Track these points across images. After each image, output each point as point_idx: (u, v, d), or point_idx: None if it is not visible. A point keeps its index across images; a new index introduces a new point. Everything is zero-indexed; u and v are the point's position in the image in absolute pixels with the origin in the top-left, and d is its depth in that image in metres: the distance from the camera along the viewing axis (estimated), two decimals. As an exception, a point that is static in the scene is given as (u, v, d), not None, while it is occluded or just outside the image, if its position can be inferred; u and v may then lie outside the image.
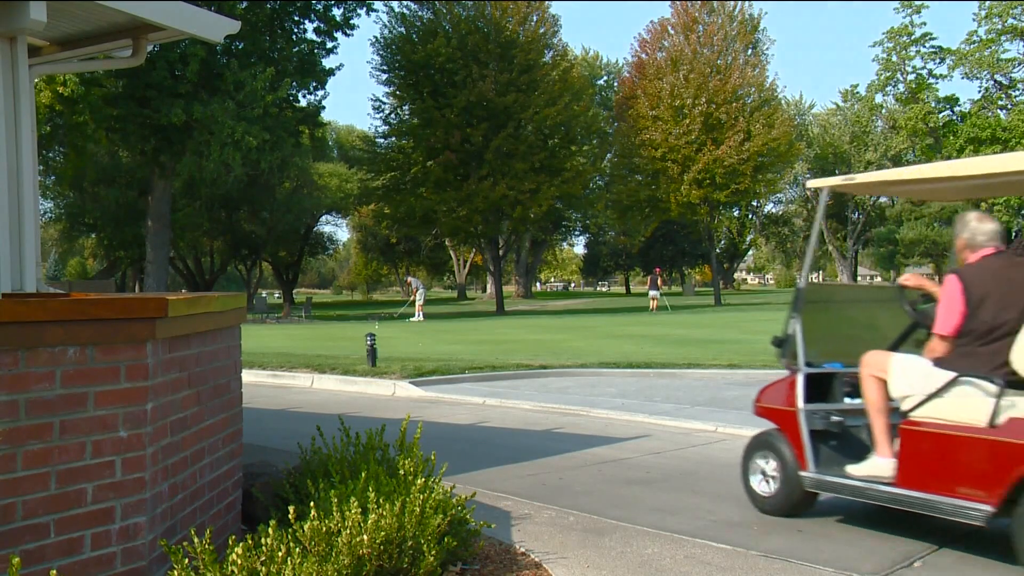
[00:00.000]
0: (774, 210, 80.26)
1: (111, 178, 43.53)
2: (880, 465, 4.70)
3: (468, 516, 4.09)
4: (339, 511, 3.52)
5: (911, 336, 5.04)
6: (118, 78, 27.36)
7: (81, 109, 27.40)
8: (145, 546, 3.15)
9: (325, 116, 47.38)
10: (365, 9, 35.11)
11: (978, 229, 4.62)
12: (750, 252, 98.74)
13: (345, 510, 3.53)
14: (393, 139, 42.97)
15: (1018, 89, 56.90)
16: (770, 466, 5.25)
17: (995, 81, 57.56)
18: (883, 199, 72.37)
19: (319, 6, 33.11)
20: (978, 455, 4.22)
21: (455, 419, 9.26)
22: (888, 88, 62.56)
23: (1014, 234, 58.45)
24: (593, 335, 21.06)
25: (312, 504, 3.62)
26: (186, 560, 3.02)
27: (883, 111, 65.34)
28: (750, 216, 78.90)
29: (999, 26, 54.66)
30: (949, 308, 4.47)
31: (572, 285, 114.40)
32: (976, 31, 56.41)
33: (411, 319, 31.55)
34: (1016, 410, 4.17)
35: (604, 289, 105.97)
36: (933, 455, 4.40)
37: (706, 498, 5.71)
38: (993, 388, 4.24)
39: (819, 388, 5.18)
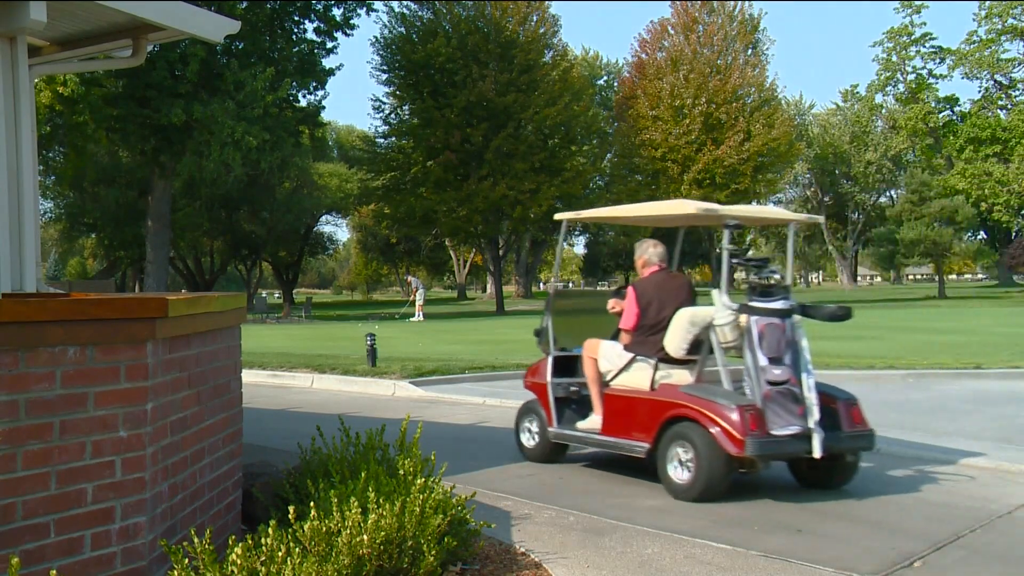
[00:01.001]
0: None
1: (111, 178, 43.54)
2: (595, 420, 6.42)
3: (468, 516, 4.09)
4: (339, 511, 3.52)
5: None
6: (118, 78, 27.35)
7: (81, 109, 27.39)
8: (145, 546, 3.15)
9: (325, 116, 47.39)
10: (365, 9, 35.10)
11: (652, 252, 6.49)
12: (750, 252, 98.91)
13: (345, 510, 3.52)
14: (393, 139, 42.96)
15: (1018, 89, 56.91)
16: (532, 426, 6.91)
17: (995, 81, 57.56)
18: (883, 199, 72.46)
19: (319, 6, 33.11)
20: (643, 409, 5.98)
21: (455, 419, 9.26)
22: (888, 88, 62.61)
23: (1014, 234, 58.46)
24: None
25: (312, 504, 3.62)
26: (186, 560, 3.02)
27: (883, 111, 65.36)
28: (750, 216, 78.86)
29: (999, 26, 54.67)
30: (629, 310, 6.32)
31: (571, 284, 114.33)
32: (976, 31, 56.49)
33: (411, 319, 31.56)
34: (668, 379, 6.07)
35: (604, 289, 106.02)
36: (620, 411, 6.17)
37: (706, 498, 5.71)
38: (653, 363, 6.10)
39: (567, 367, 6.90)
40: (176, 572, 2.98)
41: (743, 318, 5.80)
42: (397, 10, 41.28)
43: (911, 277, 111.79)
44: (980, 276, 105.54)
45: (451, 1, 40.12)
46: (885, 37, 60.74)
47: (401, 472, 4.20)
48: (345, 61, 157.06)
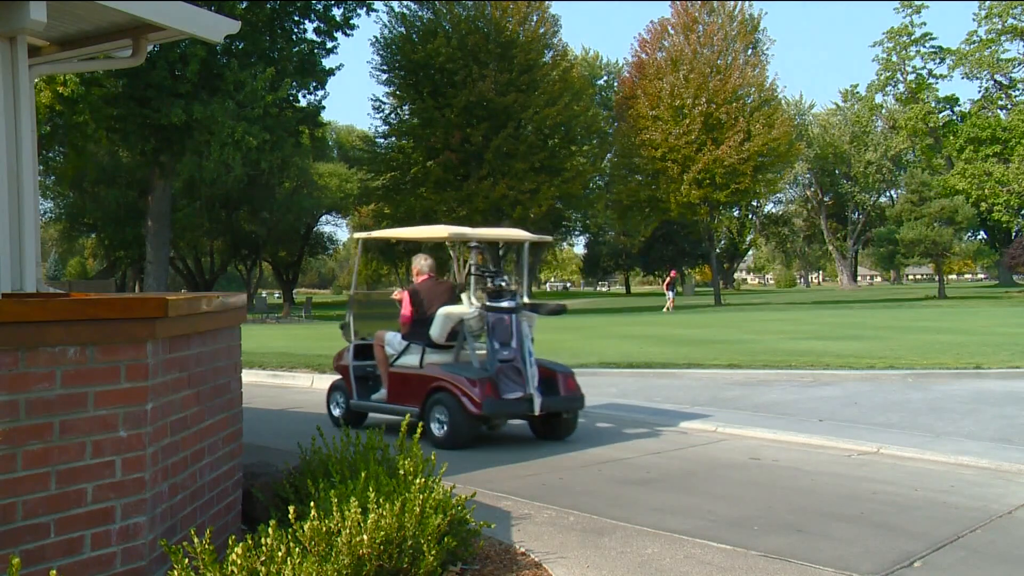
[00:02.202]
0: (774, 210, 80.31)
1: (111, 178, 43.55)
2: (383, 393, 8.37)
3: (468, 516, 4.09)
4: (339, 511, 3.52)
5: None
6: (118, 78, 27.34)
7: (81, 109, 27.38)
8: (145, 546, 3.15)
9: (325, 116, 47.38)
10: (365, 9, 35.10)
11: (423, 264, 8.60)
12: (750, 252, 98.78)
13: (345, 510, 3.52)
14: (393, 139, 42.94)
15: (1018, 89, 56.91)
16: (339, 399, 8.87)
17: (995, 81, 57.58)
18: (883, 199, 72.46)
19: (319, 6, 33.10)
20: (415, 383, 7.90)
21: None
22: (888, 88, 62.60)
23: (1014, 234, 58.45)
24: (593, 335, 21.06)
25: (312, 504, 3.62)
26: (186, 560, 3.02)
27: (883, 111, 65.35)
28: (750, 216, 78.90)
29: (999, 26, 54.66)
30: (404, 309, 8.39)
31: (570, 285, 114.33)
32: (976, 31, 56.49)
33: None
34: (433, 359, 7.98)
35: (604, 289, 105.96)
36: (400, 385, 8.11)
37: (706, 498, 5.71)
38: (423, 348, 8.02)
39: (367, 353, 8.78)
40: (176, 572, 2.98)
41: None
42: (397, 10, 41.29)
43: (911, 277, 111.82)
44: (980, 276, 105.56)
45: (451, 1, 40.10)
46: (885, 37, 60.74)
47: (401, 472, 4.20)
48: (345, 61, 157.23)
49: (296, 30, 32.91)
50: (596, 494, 5.82)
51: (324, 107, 63.42)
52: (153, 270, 31.28)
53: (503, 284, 7.97)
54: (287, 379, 12.80)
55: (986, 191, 50.99)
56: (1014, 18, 53.74)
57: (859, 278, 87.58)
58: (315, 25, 33.30)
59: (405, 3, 41.55)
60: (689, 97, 41.86)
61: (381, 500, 3.65)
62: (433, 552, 3.62)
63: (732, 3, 44.45)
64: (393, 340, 8.37)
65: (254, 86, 27.47)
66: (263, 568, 3.14)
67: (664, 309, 36.56)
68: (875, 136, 67.80)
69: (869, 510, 5.38)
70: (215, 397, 3.89)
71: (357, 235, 9.67)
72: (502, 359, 7.68)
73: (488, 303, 7.84)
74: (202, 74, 27.36)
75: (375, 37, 48.44)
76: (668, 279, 40.99)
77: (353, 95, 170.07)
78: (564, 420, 7.97)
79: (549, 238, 9.92)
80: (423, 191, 39.83)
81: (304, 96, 34.33)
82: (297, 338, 22.00)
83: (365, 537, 3.41)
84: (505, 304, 7.81)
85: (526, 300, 8.09)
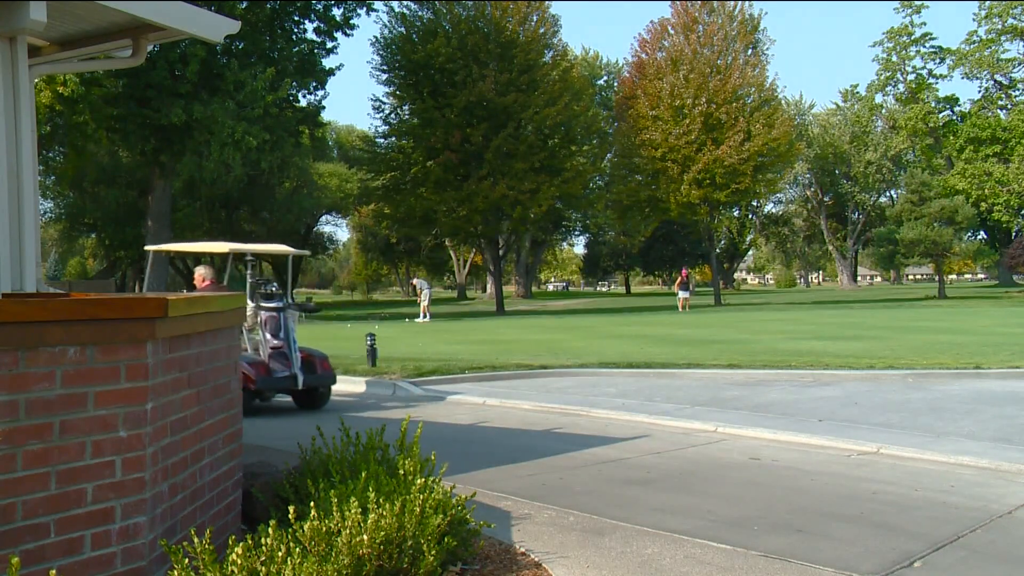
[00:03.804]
0: (774, 210, 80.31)
1: (111, 178, 43.60)
2: None
3: (468, 516, 4.09)
4: (339, 511, 3.52)
5: None
6: (118, 78, 27.37)
7: (81, 109, 27.41)
8: (145, 546, 3.15)
9: (325, 116, 47.39)
10: (365, 9, 35.14)
11: (206, 272, 9.86)
12: (750, 252, 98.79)
13: (345, 510, 3.52)
14: (393, 139, 42.91)
15: (1018, 89, 56.94)
16: None
17: (995, 81, 57.60)
18: (883, 199, 72.48)
19: (319, 6, 33.15)
20: None
21: (455, 419, 9.26)
22: (888, 88, 62.62)
23: (1014, 234, 58.46)
24: (593, 335, 21.06)
25: (312, 504, 3.62)
26: (186, 560, 3.02)
27: (883, 111, 65.37)
28: (750, 216, 78.91)
29: (999, 26, 54.69)
30: None
31: (569, 285, 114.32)
32: (976, 31, 56.52)
33: (416, 319, 31.53)
34: None
35: (604, 289, 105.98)
36: None
37: (706, 498, 5.71)
38: None
39: None
40: (176, 572, 2.98)
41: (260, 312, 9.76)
42: (397, 10, 41.25)
43: (911, 277, 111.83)
44: (980, 276, 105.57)
45: (451, 1, 40.09)
46: (885, 37, 60.75)
47: (401, 472, 4.20)
48: (345, 61, 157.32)
49: (296, 30, 32.97)
50: (596, 494, 5.82)
51: (324, 107, 63.61)
52: (153, 270, 31.30)
53: (273, 289, 10.29)
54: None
55: (986, 191, 50.99)
56: (1014, 18, 53.75)
57: (859, 278, 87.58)
58: (315, 25, 33.37)
59: (405, 3, 41.55)
60: (689, 97, 41.84)
61: (381, 500, 3.65)
62: (433, 552, 3.62)
63: (732, 3, 44.45)
64: None
65: (254, 86, 27.51)
66: (263, 568, 3.15)
67: (681, 308, 37.05)
68: (875, 136, 67.79)
69: (869, 510, 5.38)
70: (215, 397, 3.89)
71: (148, 247, 11.80)
72: (272, 347, 9.78)
73: (262, 303, 9.94)
74: (202, 74, 27.38)
75: (375, 37, 48.47)
76: (680, 279, 41.26)
77: (353, 95, 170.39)
78: (320, 393, 10.24)
79: (307, 252, 12.75)
80: (423, 191, 39.80)
81: (304, 96, 34.42)
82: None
83: (365, 537, 3.41)
84: (275, 304, 10.00)
85: (291, 301, 10.37)
